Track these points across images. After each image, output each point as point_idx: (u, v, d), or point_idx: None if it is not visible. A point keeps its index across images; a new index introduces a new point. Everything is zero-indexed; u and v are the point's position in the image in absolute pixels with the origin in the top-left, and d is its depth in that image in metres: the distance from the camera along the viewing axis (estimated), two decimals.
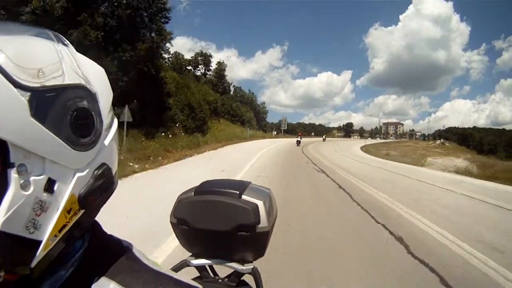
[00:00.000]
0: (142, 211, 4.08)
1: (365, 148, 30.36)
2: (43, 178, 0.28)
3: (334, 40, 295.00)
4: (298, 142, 26.04)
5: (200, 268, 0.72)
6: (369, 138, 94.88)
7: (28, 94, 0.27)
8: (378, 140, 79.95)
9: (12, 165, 0.26)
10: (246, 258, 0.70)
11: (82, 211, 0.32)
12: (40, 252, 0.28)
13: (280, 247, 2.97)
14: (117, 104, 9.31)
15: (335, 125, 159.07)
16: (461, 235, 3.82)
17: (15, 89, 0.26)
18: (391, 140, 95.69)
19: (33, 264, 0.28)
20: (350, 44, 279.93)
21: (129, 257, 0.37)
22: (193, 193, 0.71)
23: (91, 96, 0.33)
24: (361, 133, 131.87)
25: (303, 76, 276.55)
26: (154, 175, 7.74)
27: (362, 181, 8.02)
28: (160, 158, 10.37)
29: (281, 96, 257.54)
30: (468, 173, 12.07)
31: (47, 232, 0.29)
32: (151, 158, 9.84)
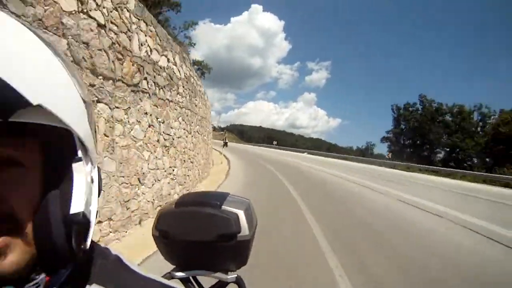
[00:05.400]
0: None
1: None
2: (90, 170, 0.34)
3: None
4: (225, 144, 29.25)
5: (184, 280, 0.72)
6: None
7: (83, 103, 0.34)
8: None
9: (79, 159, 0.32)
10: (230, 267, 0.71)
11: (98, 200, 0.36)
12: (91, 234, 0.32)
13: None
14: None
15: None
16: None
17: (81, 99, 0.34)
18: None
19: (88, 244, 0.32)
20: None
21: (119, 264, 0.38)
22: (173, 205, 0.72)
23: (93, 112, 0.38)
24: None
25: None
26: None
27: None
28: None
29: None
30: None
31: (94, 216, 0.33)
32: None
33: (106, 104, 3.49)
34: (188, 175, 6.95)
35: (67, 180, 0.31)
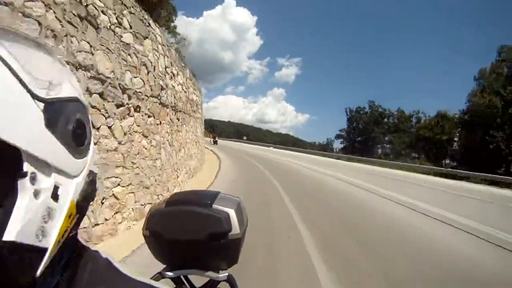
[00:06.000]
0: None
1: None
2: (50, 186, 0.29)
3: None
4: (215, 142, 28.43)
5: (175, 279, 0.72)
6: None
7: (42, 104, 0.28)
8: None
9: (25, 175, 0.26)
10: (221, 266, 0.71)
11: (77, 216, 0.34)
12: (47, 259, 0.28)
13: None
14: None
15: None
16: None
17: (32, 99, 0.27)
18: None
19: (39, 273, 0.28)
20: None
21: (109, 267, 0.38)
22: (164, 205, 0.71)
23: (84, 109, 0.36)
24: None
25: None
26: None
27: None
28: None
29: None
30: None
31: (53, 238, 0.29)
32: None
33: (185, 124, 8.11)
34: (201, 159, 11.63)
35: (7, 200, 0.26)
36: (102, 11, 3.69)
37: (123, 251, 3.20)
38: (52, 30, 2.85)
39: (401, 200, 7.14)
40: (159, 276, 0.70)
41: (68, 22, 3.06)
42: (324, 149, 54.52)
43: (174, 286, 0.72)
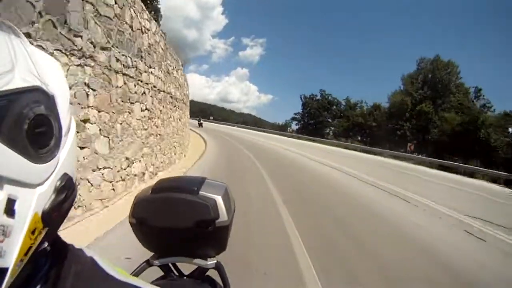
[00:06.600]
0: None
1: None
2: (2, 200, 0.24)
3: None
4: (200, 125, 28.38)
5: (164, 267, 0.71)
6: None
7: None
8: None
9: None
10: (209, 253, 0.71)
11: (46, 229, 0.29)
12: (8, 280, 0.26)
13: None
14: None
15: None
16: None
17: None
18: None
19: None
20: None
21: (94, 268, 0.36)
22: (150, 191, 0.70)
23: (49, 100, 0.29)
24: None
25: None
26: None
27: None
28: None
29: None
30: None
31: (13, 258, 0.26)
32: None
33: (181, 110, 12.94)
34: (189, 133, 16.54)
35: None
36: (169, 65, 8.48)
37: (178, 164, 8.30)
38: (162, 80, 7.68)
39: (316, 159, 12.92)
40: (147, 264, 0.69)
41: (164, 75, 7.89)
42: (283, 129, 60.71)
43: (163, 274, 0.72)
